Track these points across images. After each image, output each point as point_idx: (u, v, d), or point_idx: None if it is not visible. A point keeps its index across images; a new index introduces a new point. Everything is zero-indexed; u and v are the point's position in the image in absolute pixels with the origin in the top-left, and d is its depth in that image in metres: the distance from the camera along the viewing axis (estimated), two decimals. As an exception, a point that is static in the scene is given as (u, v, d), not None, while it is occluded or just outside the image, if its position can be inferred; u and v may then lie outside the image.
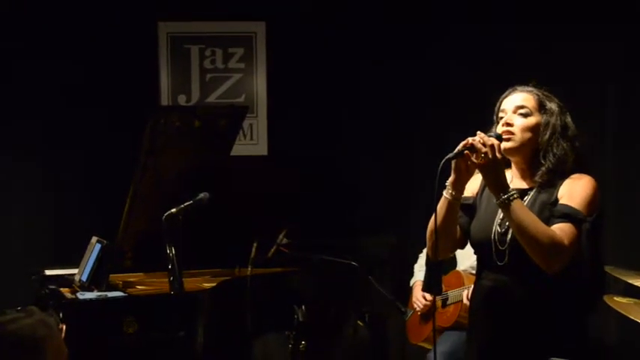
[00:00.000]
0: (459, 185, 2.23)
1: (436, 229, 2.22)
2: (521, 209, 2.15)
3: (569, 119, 2.30)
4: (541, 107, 2.28)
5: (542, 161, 2.25)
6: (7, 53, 4.34)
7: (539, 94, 2.30)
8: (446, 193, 2.23)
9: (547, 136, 2.25)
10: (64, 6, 4.37)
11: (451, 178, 2.22)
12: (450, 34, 4.36)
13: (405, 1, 4.46)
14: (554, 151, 2.24)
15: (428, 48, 4.40)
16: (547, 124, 2.26)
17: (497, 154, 2.14)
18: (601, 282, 2.36)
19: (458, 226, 2.33)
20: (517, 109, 2.28)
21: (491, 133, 2.23)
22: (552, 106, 2.29)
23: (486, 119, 2.37)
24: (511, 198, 2.14)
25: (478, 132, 2.17)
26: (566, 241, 2.14)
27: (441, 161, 2.15)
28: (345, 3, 4.52)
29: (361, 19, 4.52)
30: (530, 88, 2.32)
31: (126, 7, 4.41)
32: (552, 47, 4.01)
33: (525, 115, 2.27)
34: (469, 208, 2.36)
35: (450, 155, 2.16)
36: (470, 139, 2.15)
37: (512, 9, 4.16)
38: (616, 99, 3.89)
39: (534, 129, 2.26)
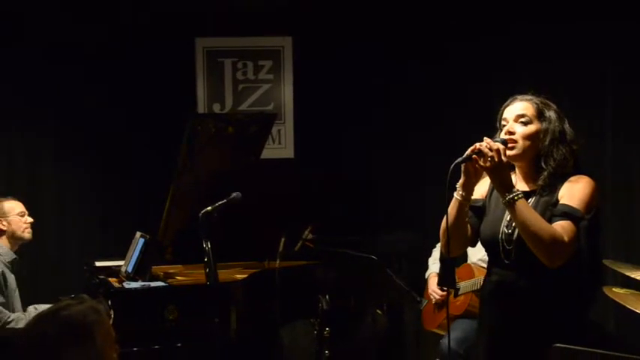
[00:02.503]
0: (469, 187, 2.22)
1: (447, 228, 2.22)
2: (525, 208, 2.14)
3: (567, 125, 2.27)
4: (540, 115, 2.26)
5: (544, 166, 2.23)
6: (66, 67, 4.41)
7: (538, 102, 2.28)
8: (456, 195, 2.23)
9: (547, 142, 2.23)
10: (113, 25, 4.43)
11: (461, 181, 2.22)
12: (461, 39, 4.32)
13: (418, 13, 4.45)
14: (555, 156, 2.22)
15: (440, 56, 4.38)
16: (546, 130, 2.24)
17: (503, 158, 2.14)
18: (599, 275, 2.34)
19: (468, 226, 2.32)
20: (518, 117, 2.26)
21: (497, 138, 2.23)
22: (551, 113, 2.26)
23: (494, 119, 2.35)
24: (516, 198, 2.14)
25: (485, 137, 2.17)
26: (566, 238, 2.13)
27: (452, 163, 2.15)
28: (363, 19, 4.53)
29: (376, 32, 4.52)
30: (529, 97, 2.30)
31: (167, 25, 4.47)
32: (553, 48, 3.97)
33: (526, 124, 2.25)
34: (479, 209, 2.35)
35: (459, 160, 2.16)
36: (477, 145, 2.15)
37: (517, 10, 4.12)
38: (614, 98, 3.83)
39: (535, 136, 2.24)
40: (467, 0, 4.32)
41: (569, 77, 3.84)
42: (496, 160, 2.12)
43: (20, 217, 3.72)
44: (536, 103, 2.28)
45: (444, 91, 4.39)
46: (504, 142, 2.20)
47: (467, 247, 2.48)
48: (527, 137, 2.24)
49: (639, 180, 3.73)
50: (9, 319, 3.48)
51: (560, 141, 2.24)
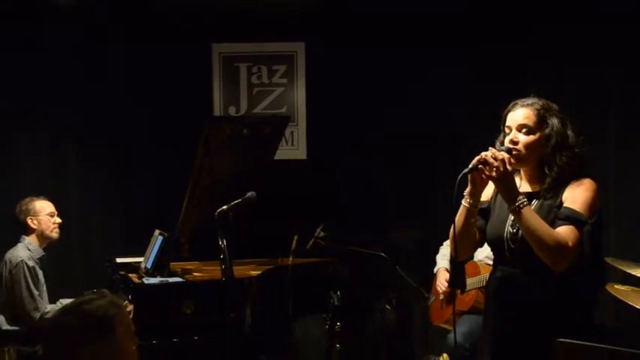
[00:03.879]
0: (476, 195, 2.23)
1: (456, 236, 2.22)
2: (531, 215, 2.14)
3: (569, 130, 2.25)
4: (542, 122, 2.24)
5: (547, 172, 2.23)
6: (88, 70, 4.46)
7: (540, 108, 2.25)
8: (464, 202, 2.23)
9: (549, 149, 2.22)
10: (134, 33, 4.48)
11: (468, 189, 2.22)
12: (470, 42, 4.30)
13: (427, 17, 4.45)
14: (557, 162, 2.22)
15: (450, 58, 4.37)
16: (549, 137, 2.23)
17: (508, 167, 2.13)
18: (602, 275, 2.34)
19: (476, 229, 2.32)
20: (520, 127, 2.25)
21: (502, 147, 2.22)
22: (553, 120, 2.24)
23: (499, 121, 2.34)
24: (521, 205, 2.14)
25: (490, 148, 2.17)
26: (570, 243, 2.13)
27: (460, 166, 2.16)
28: (373, 24, 4.53)
29: (386, 38, 4.52)
30: (531, 101, 2.27)
31: (185, 32, 4.51)
32: (557, 49, 3.95)
33: (528, 133, 2.24)
34: (484, 211, 2.35)
35: (466, 170, 2.16)
36: (483, 155, 2.14)
37: (520, 13, 4.11)
38: (619, 100, 3.81)
39: (537, 144, 2.23)
40: (473, 3, 4.31)
41: (574, 79, 3.83)
42: (501, 169, 2.12)
43: (50, 217, 3.77)
44: (537, 110, 2.25)
45: (454, 93, 4.38)
46: (509, 151, 2.19)
47: (475, 250, 2.47)
48: (530, 146, 2.23)
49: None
50: (45, 310, 3.55)
51: (562, 146, 2.23)
